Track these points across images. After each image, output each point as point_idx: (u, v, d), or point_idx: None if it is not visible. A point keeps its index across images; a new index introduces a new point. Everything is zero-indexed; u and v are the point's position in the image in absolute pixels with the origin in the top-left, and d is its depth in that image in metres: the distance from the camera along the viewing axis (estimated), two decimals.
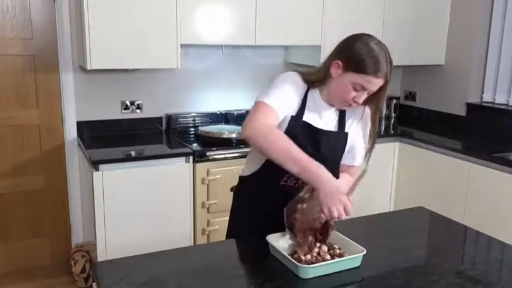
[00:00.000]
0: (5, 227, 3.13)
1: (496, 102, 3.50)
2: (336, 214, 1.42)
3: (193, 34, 2.94)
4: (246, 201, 1.82)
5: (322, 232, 1.54)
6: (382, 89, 1.59)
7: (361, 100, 1.61)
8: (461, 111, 3.66)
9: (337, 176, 1.73)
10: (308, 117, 1.65)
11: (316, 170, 1.45)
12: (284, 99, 1.61)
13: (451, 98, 3.74)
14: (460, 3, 3.62)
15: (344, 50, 1.60)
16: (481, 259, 1.66)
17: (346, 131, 1.71)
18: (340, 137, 1.71)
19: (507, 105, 3.42)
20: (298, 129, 1.62)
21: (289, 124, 1.62)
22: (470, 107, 3.61)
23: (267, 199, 1.71)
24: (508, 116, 3.34)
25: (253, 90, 3.54)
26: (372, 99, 1.64)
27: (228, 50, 3.44)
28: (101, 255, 2.70)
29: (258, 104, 1.59)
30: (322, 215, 1.48)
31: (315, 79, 1.66)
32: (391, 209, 3.51)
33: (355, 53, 1.55)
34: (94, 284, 1.46)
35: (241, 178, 1.85)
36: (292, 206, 1.54)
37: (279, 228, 1.59)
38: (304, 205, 1.51)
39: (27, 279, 3.11)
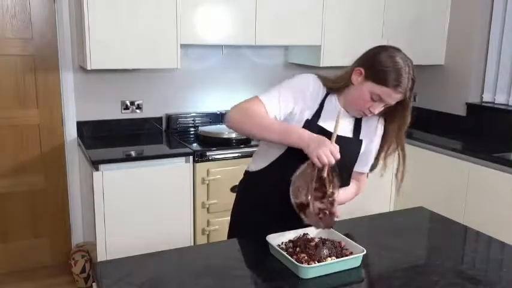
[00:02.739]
0: (5, 227, 3.13)
1: (496, 102, 3.49)
2: (325, 159, 1.46)
3: (193, 34, 2.94)
4: (251, 196, 1.80)
5: (323, 190, 1.55)
6: (403, 106, 1.59)
7: (376, 111, 1.60)
8: (461, 111, 3.66)
9: (348, 183, 1.73)
10: (324, 121, 1.65)
11: (294, 130, 1.54)
12: (281, 100, 1.61)
13: (451, 98, 3.74)
14: (460, 3, 3.62)
15: (368, 58, 1.59)
16: (481, 259, 1.66)
17: (360, 138, 1.71)
18: (354, 143, 1.70)
19: (507, 105, 3.43)
20: (313, 133, 1.61)
21: (304, 127, 1.62)
22: (470, 107, 3.61)
23: (273, 195, 1.68)
24: (508, 116, 3.34)
25: (253, 90, 3.51)
26: (393, 117, 1.64)
27: (228, 50, 3.44)
28: (101, 255, 2.70)
29: (252, 97, 1.63)
30: (313, 170, 1.51)
31: (335, 86, 1.66)
32: (391, 209, 3.51)
33: (378, 64, 1.54)
34: (94, 284, 1.46)
35: (248, 173, 1.84)
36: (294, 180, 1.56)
37: (281, 225, 1.59)
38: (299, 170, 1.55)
39: (27, 279, 3.11)
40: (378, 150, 1.74)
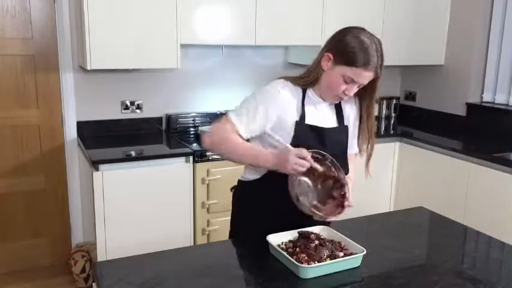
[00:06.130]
0: (5, 227, 3.13)
1: (496, 102, 3.49)
2: (299, 168, 1.51)
3: (193, 34, 2.94)
4: (253, 206, 1.78)
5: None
6: (373, 82, 1.61)
7: (351, 93, 1.62)
8: (461, 111, 3.66)
9: (347, 170, 1.74)
10: (310, 118, 1.66)
11: (265, 152, 1.61)
12: (253, 118, 1.64)
13: (451, 98, 3.74)
14: (460, 3, 3.62)
15: (335, 42, 1.61)
16: (481, 259, 1.66)
17: (345, 123, 1.74)
18: (342, 130, 1.73)
19: (507, 105, 3.42)
20: (304, 132, 1.63)
21: (295, 130, 1.64)
22: (470, 107, 3.61)
23: (274, 201, 1.66)
24: (508, 116, 3.34)
25: (253, 90, 3.54)
26: (365, 92, 1.66)
27: (228, 50, 3.44)
28: (101, 255, 2.70)
29: (224, 118, 1.67)
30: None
31: (308, 80, 1.67)
32: (391, 209, 3.51)
33: (345, 46, 1.56)
34: (94, 284, 1.46)
35: (244, 183, 1.82)
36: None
37: (284, 227, 1.59)
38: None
39: (27, 279, 3.11)
40: (358, 128, 1.77)
